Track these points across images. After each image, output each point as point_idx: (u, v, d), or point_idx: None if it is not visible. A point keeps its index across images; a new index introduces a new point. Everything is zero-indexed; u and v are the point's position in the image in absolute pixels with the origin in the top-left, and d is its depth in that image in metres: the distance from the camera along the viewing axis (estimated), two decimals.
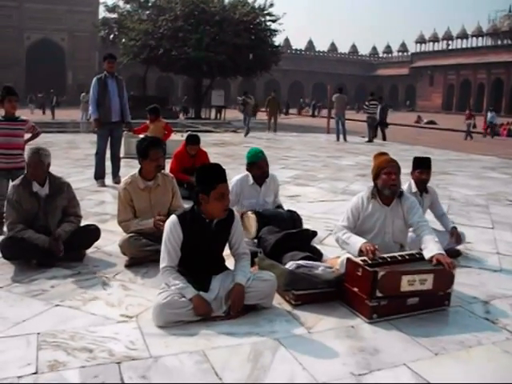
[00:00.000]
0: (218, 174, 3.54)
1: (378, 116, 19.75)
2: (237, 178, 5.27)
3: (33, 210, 4.57)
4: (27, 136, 6.04)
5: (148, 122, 10.49)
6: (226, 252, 3.92)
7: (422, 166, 5.13)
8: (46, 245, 4.39)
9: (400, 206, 4.25)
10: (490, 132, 26.35)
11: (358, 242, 4.06)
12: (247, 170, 5.29)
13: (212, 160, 8.25)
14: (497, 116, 28.51)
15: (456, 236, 5.15)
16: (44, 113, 33.21)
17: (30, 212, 4.56)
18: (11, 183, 4.79)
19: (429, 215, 5.13)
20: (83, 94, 28.60)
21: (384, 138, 19.90)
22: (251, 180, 5.25)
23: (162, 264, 3.63)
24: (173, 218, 3.65)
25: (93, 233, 4.87)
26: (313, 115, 44.39)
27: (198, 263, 3.69)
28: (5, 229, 4.89)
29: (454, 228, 5.22)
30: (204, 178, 3.54)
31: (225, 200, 3.54)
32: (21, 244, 4.39)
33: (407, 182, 5.18)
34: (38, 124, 6.42)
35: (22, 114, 6.61)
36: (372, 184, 4.34)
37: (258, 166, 5.20)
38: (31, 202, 4.56)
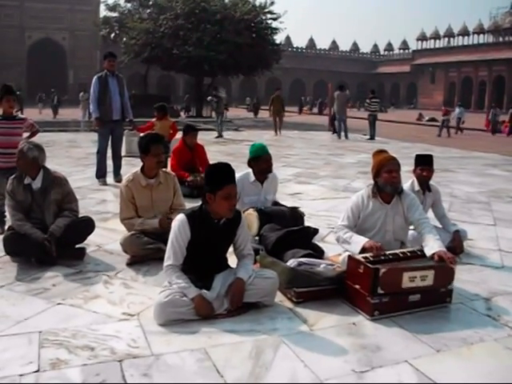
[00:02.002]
0: (225, 174, 3.53)
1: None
2: (237, 176, 5.25)
3: (26, 202, 4.62)
4: (26, 134, 6.05)
5: (154, 119, 10.40)
6: (229, 251, 3.91)
7: (423, 163, 5.12)
8: (40, 241, 4.40)
9: (400, 203, 4.25)
10: (459, 128, 25.90)
11: (360, 241, 4.05)
12: (250, 165, 5.27)
13: (212, 158, 8.26)
14: (499, 113, 28.21)
15: (457, 242, 5.00)
16: (56, 112, 33.07)
17: (24, 204, 4.62)
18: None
19: (429, 213, 5.12)
20: (82, 93, 28.59)
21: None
22: (252, 177, 5.25)
23: (167, 262, 3.62)
24: (181, 217, 3.62)
25: (86, 224, 4.86)
26: (320, 113, 44.43)
27: (202, 262, 3.69)
28: (6, 227, 4.92)
29: (457, 232, 5.09)
30: (212, 178, 3.53)
31: (231, 200, 3.52)
32: (22, 240, 4.43)
33: (410, 180, 5.17)
34: (38, 123, 6.42)
35: (31, 113, 6.66)
36: (371, 182, 4.34)
37: (264, 159, 5.20)
38: (24, 194, 4.63)
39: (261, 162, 5.20)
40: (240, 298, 3.59)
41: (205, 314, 3.48)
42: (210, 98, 21.38)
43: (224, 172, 3.55)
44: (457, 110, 26.29)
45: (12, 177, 4.73)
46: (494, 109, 28.10)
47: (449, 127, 24.02)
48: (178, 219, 3.62)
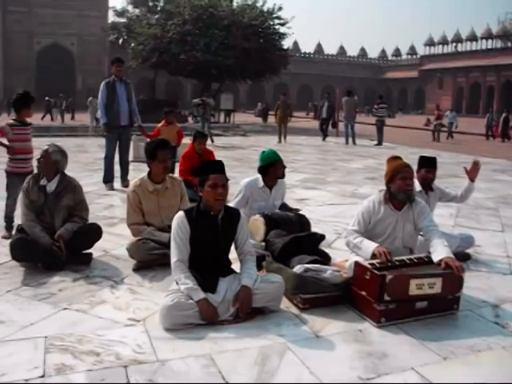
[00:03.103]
0: (211, 166, 3.74)
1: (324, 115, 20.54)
2: (246, 181, 5.25)
3: (38, 203, 4.68)
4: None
5: (160, 125, 10.33)
6: (233, 256, 3.91)
7: (428, 165, 5.09)
8: (47, 246, 4.43)
9: (411, 210, 4.22)
10: (450, 132, 25.31)
11: (370, 246, 4.04)
12: (264, 171, 5.19)
13: None
14: (495, 117, 27.39)
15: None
16: (73, 118, 32.92)
17: (36, 204, 4.68)
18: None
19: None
20: (90, 98, 28.63)
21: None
22: (261, 183, 5.22)
23: (174, 259, 3.65)
24: (180, 213, 3.75)
25: (94, 231, 4.88)
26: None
27: (206, 263, 3.70)
28: (13, 232, 4.96)
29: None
30: (200, 172, 3.72)
31: (217, 189, 3.61)
32: (29, 246, 4.46)
33: None
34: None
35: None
36: (382, 188, 4.31)
37: (280, 164, 5.19)
38: (38, 195, 4.70)
39: (277, 167, 5.18)
40: (249, 306, 3.60)
41: (208, 318, 3.47)
42: (196, 100, 20.74)
43: (210, 164, 3.82)
44: (449, 114, 25.85)
45: (29, 176, 4.83)
46: (490, 113, 27.20)
47: (441, 132, 23.73)
48: (177, 216, 3.74)
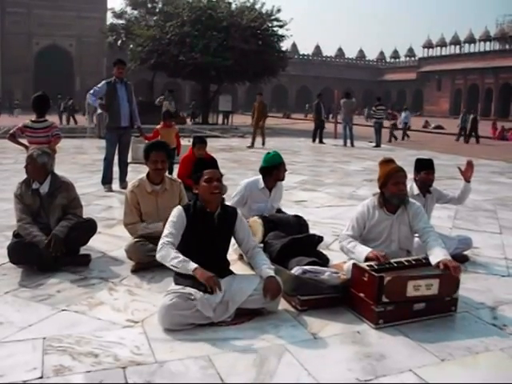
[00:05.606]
0: (204, 163, 3.86)
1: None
2: (246, 181, 5.27)
3: (34, 206, 4.71)
4: (24, 140, 6.66)
5: (159, 126, 10.28)
6: (232, 257, 3.91)
7: (427, 168, 5.08)
8: (41, 246, 4.42)
9: (406, 212, 4.22)
10: (405, 132, 24.93)
11: (363, 251, 4.03)
12: (266, 172, 5.21)
13: (219, 165, 8.27)
14: (469, 119, 26.70)
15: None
16: (69, 119, 32.47)
17: (32, 207, 4.70)
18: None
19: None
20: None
21: (320, 140, 20.27)
22: (262, 184, 5.23)
23: (163, 240, 3.67)
24: (178, 207, 3.85)
25: (89, 225, 4.89)
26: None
27: (203, 263, 3.68)
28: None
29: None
30: (194, 170, 3.83)
31: (212, 183, 3.71)
32: (24, 249, 4.46)
33: (408, 184, 5.14)
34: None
35: (55, 120, 7.00)
36: (376, 191, 4.31)
37: (283, 166, 5.22)
38: (33, 198, 4.71)
39: (281, 170, 5.21)
40: (280, 293, 3.69)
41: (209, 282, 3.47)
42: (158, 100, 20.77)
43: (203, 162, 3.93)
44: (403, 114, 25.76)
45: (20, 181, 4.81)
46: (464, 114, 25.50)
47: (394, 130, 23.84)
48: (176, 208, 3.84)
